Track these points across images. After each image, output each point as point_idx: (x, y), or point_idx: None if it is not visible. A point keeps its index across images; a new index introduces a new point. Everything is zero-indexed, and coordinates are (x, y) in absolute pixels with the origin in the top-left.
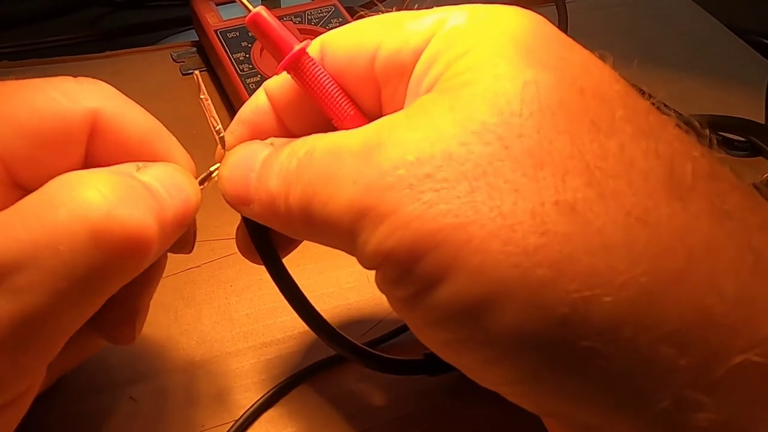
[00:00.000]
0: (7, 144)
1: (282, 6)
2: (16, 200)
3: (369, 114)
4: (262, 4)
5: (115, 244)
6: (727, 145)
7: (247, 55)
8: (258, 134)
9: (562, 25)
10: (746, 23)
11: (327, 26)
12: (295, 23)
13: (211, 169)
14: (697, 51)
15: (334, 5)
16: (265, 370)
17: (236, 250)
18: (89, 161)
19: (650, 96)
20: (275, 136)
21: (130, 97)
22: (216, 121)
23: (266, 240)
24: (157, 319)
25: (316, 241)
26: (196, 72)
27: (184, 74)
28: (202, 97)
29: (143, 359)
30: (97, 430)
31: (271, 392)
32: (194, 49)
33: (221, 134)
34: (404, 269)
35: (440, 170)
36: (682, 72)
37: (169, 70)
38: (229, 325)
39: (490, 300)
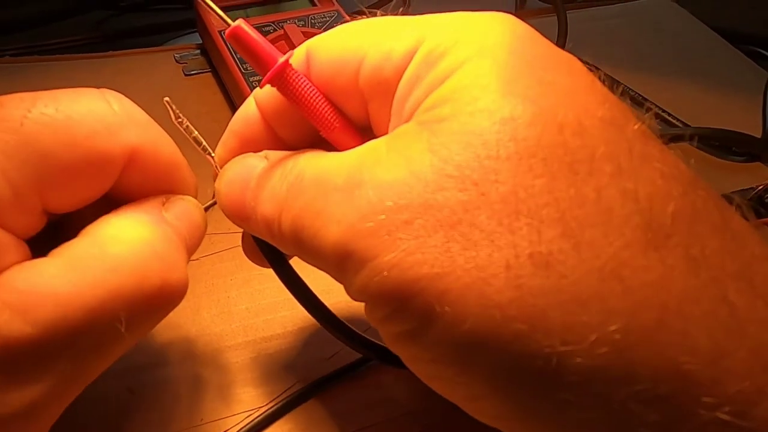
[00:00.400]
0: (50, 179)
1: (285, 11)
2: (42, 223)
3: (357, 122)
4: (265, 10)
5: (164, 302)
6: (726, 150)
7: None
8: (250, 144)
9: (562, 35)
10: (742, 33)
11: None
12: (298, 26)
13: (210, 203)
14: (693, 61)
15: (336, 10)
16: (265, 364)
17: (236, 243)
18: (117, 186)
19: (644, 100)
20: (268, 146)
21: (131, 98)
22: (200, 140)
23: (272, 246)
24: None
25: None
26: (167, 99)
27: (186, 75)
28: (178, 121)
29: (142, 351)
30: (95, 422)
31: (281, 403)
32: (197, 50)
33: (207, 152)
34: (389, 312)
35: (418, 217)
36: (679, 81)
37: (172, 70)
38: (228, 318)
39: (469, 349)
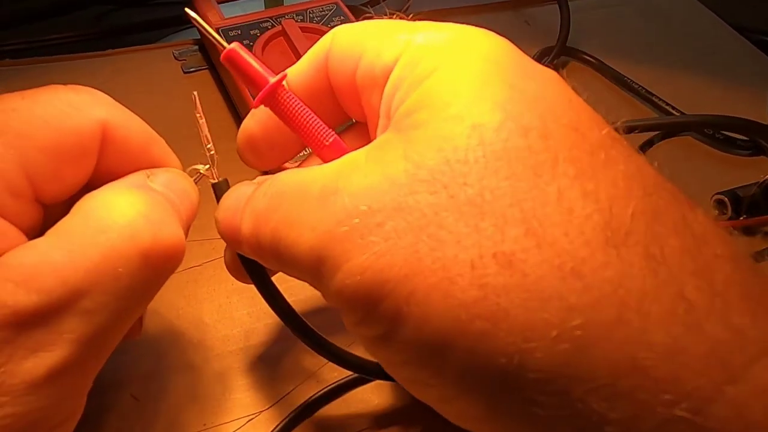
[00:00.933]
0: (32, 162)
1: (284, 4)
2: (36, 214)
3: (357, 117)
4: (266, 4)
5: (162, 260)
6: (730, 144)
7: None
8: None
9: (564, 24)
10: (750, 22)
11: (329, 24)
12: (297, 21)
13: (199, 168)
14: (700, 50)
15: (336, 3)
16: (266, 368)
17: None
18: (97, 169)
19: (649, 94)
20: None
21: (131, 96)
22: (208, 140)
23: (255, 263)
24: (158, 318)
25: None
26: (195, 93)
27: (185, 72)
28: (197, 115)
29: (145, 358)
30: (100, 430)
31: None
32: (196, 47)
33: (212, 152)
34: (361, 315)
35: (389, 220)
36: (686, 71)
37: (170, 68)
38: (230, 323)
39: (437, 348)
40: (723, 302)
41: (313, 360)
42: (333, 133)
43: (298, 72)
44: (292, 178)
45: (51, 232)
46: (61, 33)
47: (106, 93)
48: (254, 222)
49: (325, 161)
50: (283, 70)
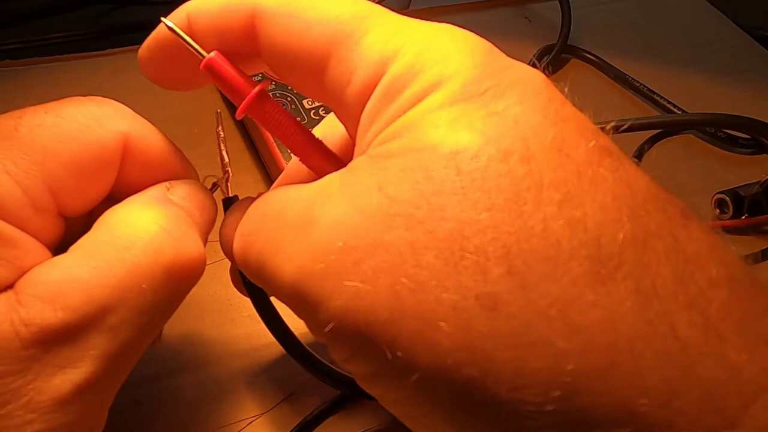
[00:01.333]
0: (56, 177)
1: None
2: (59, 228)
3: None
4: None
5: (184, 275)
6: (732, 143)
7: None
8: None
9: (566, 21)
10: (754, 19)
11: None
12: None
13: (214, 178)
14: (702, 47)
15: None
16: (268, 370)
17: None
18: (117, 181)
19: (650, 92)
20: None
21: (131, 96)
22: (225, 158)
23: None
24: None
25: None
26: (218, 111)
27: None
28: (218, 129)
29: (147, 362)
30: None
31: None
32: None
33: (228, 168)
34: (347, 355)
35: (367, 258)
36: (688, 68)
37: None
38: (231, 326)
39: (426, 393)
40: (717, 338)
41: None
42: (319, 140)
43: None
44: (277, 197)
45: (75, 248)
46: (60, 32)
47: (105, 93)
48: (242, 244)
49: (313, 170)
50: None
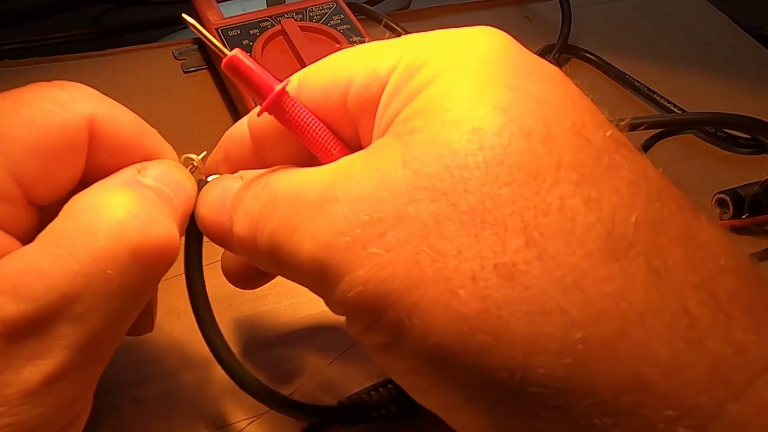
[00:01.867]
0: (20, 164)
1: (285, 3)
2: (30, 217)
3: (351, 147)
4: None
5: (152, 257)
6: (733, 142)
7: (249, 54)
8: (236, 162)
9: (566, 21)
10: (754, 18)
11: (329, 23)
12: (296, 20)
13: (192, 156)
14: (703, 46)
15: (335, 1)
16: (267, 370)
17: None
18: (88, 165)
19: (651, 92)
20: (252, 166)
21: (132, 96)
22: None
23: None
24: (160, 321)
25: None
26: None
27: (185, 72)
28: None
29: (147, 362)
30: None
31: None
32: (196, 46)
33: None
34: (365, 324)
35: (391, 230)
36: (689, 67)
37: (170, 68)
38: (231, 327)
39: (440, 360)
40: (726, 317)
41: (315, 362)
42: (339, 141)
43: (256, 116)
44: (286, 181)
45: (39, 237)
46: (60, 32)
47: (105, 93)
48: (250, 226)
49: None
50: (287, 77)
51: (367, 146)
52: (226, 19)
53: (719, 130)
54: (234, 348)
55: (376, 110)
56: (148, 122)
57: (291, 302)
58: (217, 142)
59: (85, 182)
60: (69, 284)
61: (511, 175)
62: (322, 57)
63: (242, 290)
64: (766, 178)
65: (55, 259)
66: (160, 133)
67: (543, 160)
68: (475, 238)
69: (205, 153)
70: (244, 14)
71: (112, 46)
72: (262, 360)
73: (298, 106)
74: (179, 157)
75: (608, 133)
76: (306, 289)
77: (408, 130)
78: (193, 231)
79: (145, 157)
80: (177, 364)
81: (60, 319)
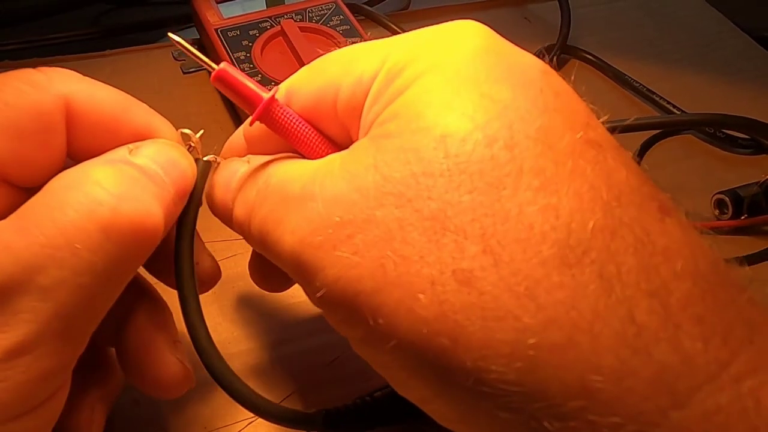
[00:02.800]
0: None
1: (284, 3)
2: (10, 198)
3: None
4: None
5: (125, 235)
6: (731, 143)
7: (248, 54)
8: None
9: (565, 21)
10: (753, 19)
11: (328, 23)
12: (296, 21)
13: (189, 133)
14: (703, 47)
15: (335, 2)
16: (267, 370)
17: (239, 251)
18: (73, 148)
19: (650, 92)
20: None
21: (132, 96)
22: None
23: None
24: None
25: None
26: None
27: (185, 72)
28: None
29: None
30: None
31: None
32: (195, 46)
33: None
34: (339, 319)
35: (359, 233)
36: (688, 68)
37: (170, 68)
38: (232, 326)
39: (407, 359)
40: (674, 326)
41: (313, 362)
42: (331, 145)
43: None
44: (280, 171)
45: (13, 214)
46: (60, 32)
47: None
48: (245, 211)
49: None
50: (286, 77)
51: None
52: (225, 19)
53: (718, 131)
54: (234, 348)
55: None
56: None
57: (290, 303)
58: (217, 142)
59: (73, 163)
60: (33, 256)
61: (472, 183)
62: None
63: (242, 290)
64: (765, 178)
65: (21, 232)
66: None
67: (505, 167)
68: (436, 244)
69: (202, 131)
70: (244, 15)
71: (112, 46)
72: (262, 361)
73: (287, 113)
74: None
75: (578, 136)
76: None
77: (383, 134)
78: (186, 228)
79: (136, 132)
80: None
81: (23, 292)
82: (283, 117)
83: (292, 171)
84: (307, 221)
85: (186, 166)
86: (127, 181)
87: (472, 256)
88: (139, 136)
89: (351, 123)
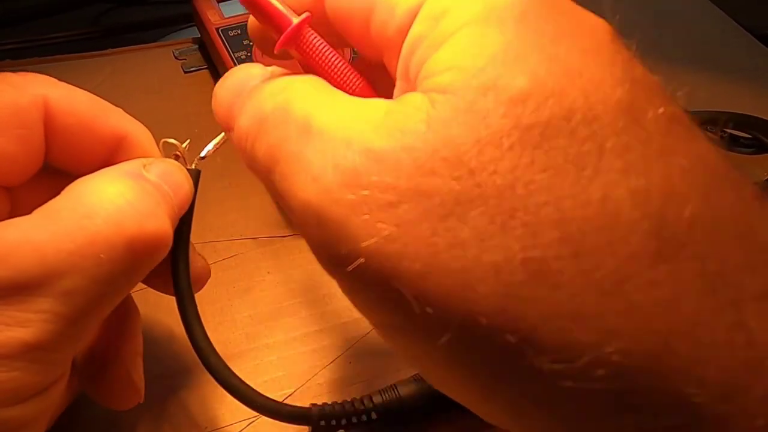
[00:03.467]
0: None
1: None
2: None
3: (375, 79)
4: None
5: (146, 249)
6: (733, 142)
7: (249, 54)
8: None
9: None
10: (755, 18)
11: None
12: None
13: (174, 143)
14: (704, 46)
15: None
16: (267, 371)
17: (238, 251)
18: (51, 149)
19: None
20: None
21: (131, 96)
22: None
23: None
24: (160, 322)
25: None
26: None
27: (185, 72)
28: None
29: (147, 362)
30: None
31: None
32: (196, 46)
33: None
34: (364, 301)
35: (404, 202)
36: (689, 67)
37: (170, 67)
38: (231, 326)
39: (456, 354)
40: None
41: (314, 362)
42: (361, 78)
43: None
44: (309, 95)
45: (38, 212)
46: (60, 32)
47: (105, 93)
48: (253, 125)
49: None
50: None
51: (393, 77)
52: (226, 18)
53: (720, 130)
54: (233, 349)
55: (395, 51)
56: (148, 122)
57: (291, 303)
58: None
59: (51, 167)
60: (61, 261)
61: (549, 160)
62: None
63: (242, 290)
64: (766, 178)
65: (51, 235)
66: (160, 133)
67: (585, 144)
68: (501, 227)
69: (189, 141)
70: (245, 14)
71: (112, 46)
72: (262, 361)
73: (319, 40)
74: (156, 140)
75: (660, 111)
76: (306, 290)
77: (437, 87)
78: (182, 237)
79: (115, 136)
80: (177, 365)
81: (45, 293)
82: (313, 45)
83: (325, 103)
84: (336, 170)
85: (188, 190)
86: (149, 199)
87: (546, 243)
88: (116, 139)
89: (383, 49)
